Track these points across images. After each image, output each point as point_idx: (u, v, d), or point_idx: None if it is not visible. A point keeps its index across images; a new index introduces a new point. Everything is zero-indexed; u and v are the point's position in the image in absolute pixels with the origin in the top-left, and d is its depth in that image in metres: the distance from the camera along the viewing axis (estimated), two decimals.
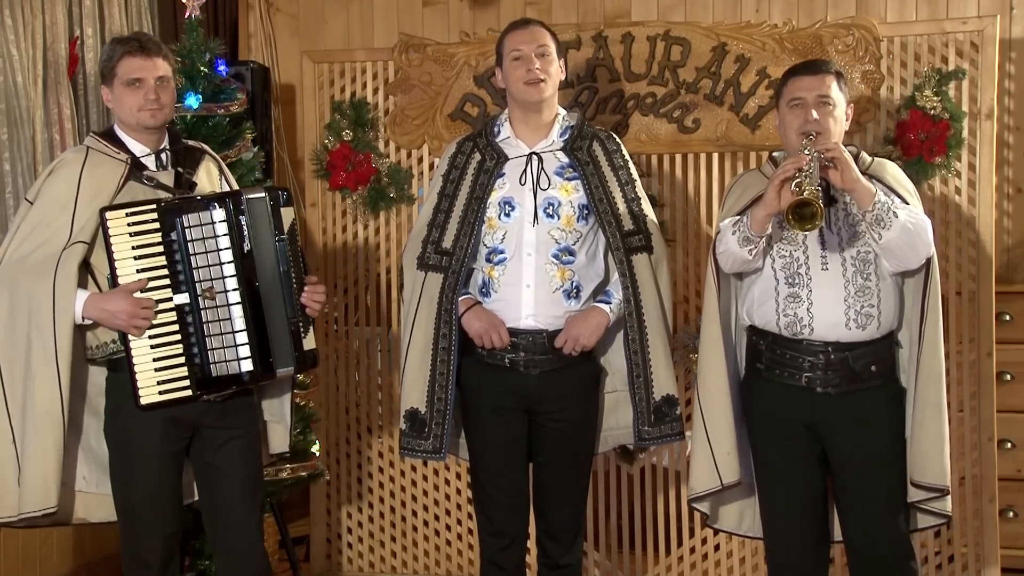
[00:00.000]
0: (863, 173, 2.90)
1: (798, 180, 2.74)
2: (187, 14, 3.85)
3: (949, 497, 2.91)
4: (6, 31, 3.82)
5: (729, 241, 2.91)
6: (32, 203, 2.91)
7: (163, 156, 2.99)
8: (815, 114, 2.88)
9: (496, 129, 3.19)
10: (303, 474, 3.97)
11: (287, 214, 2.98)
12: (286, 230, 2.97)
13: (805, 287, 2.91)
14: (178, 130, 3.18)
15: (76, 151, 2.99)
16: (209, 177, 3.08)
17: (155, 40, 3.00)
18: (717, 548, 4.04)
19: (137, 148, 2.96)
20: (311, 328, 3.01)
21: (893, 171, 3.00)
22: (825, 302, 2.89)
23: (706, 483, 3.01)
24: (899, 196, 2.89)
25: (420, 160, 4.22)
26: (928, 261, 2.88)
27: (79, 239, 2.84)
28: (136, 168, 2.93)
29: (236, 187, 3.16)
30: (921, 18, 4.42)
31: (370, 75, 4.26)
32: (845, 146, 2.99)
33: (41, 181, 2.94)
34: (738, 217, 2.92)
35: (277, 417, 3.17)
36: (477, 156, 3.17)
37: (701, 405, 3.04)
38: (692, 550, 4.06)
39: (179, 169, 2.99)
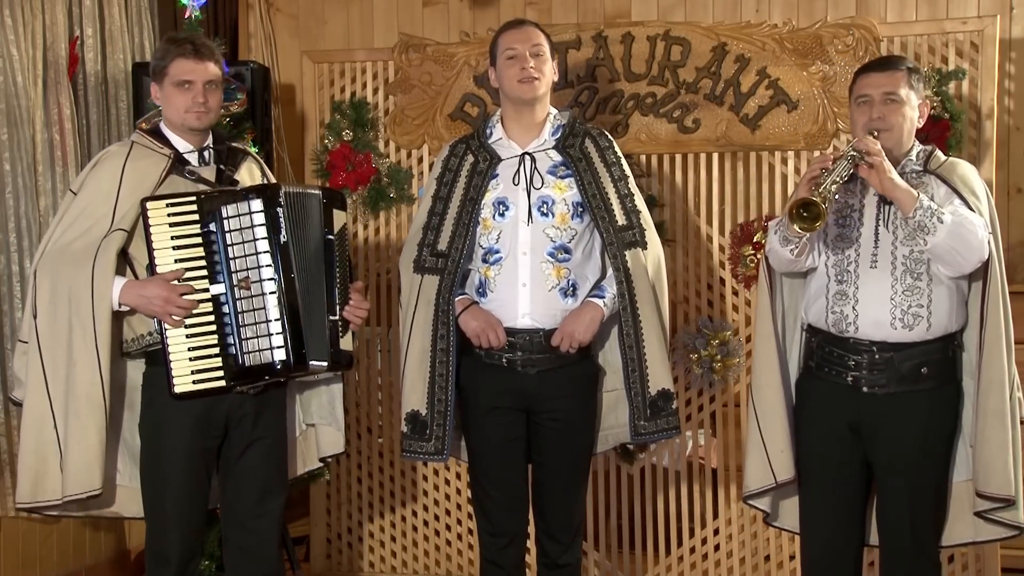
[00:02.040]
0: (932, 172, 2.88)
1: (818, 180, 2.74)
2: (187, 14, 3.85)
3: (1021, 507, 2.87)
4: (6, 31, 3.81)
5: (772, 240, 2.94)
6: (76, 194, 2.98)
7: (206, 154, 3.04)
8: (879, 111, 2.87)
9: (488, 131, 3.20)
10: (303, 474, 3.96)
11: (339, 216, 3.02)
12: (335, 231, 3.00)
13: (852, 284, 2.89)
14: (222, 131, 3.20)
15: (121, 144, 3.08)
16: (251, 177, 3.12)
17: (208, 44, 3.05)
18: (717, 548, 4.04)
19: (181, 145, 3.02)
20: (349, 330, 3.02)
21: (963, 172, 2.94)
22: (871, 300, 2.87)
23: (760, 481, 3.01)
24: (961, 197, 2.84)
25: (420, 160, 4.23)
26: (988, 264, 2.83)
27: (119, 227, 2.89)
28: (179, 163, 2.99)
29: None
30: (921, 18, 4.42)
31: (370, 75, 4.26)
32: (922, 145, 2.96)
33: (85, 173, 3.01)
34: (780, 217, 2.94)
35: (327, 419, 3.18)
36: (470, 158, 3.17)
37: (754, 403, 3.04)
38: (692, 550, 4.07)
39: (221, 166, 3.04)
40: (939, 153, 2.98)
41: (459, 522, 4.22)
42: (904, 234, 2.86)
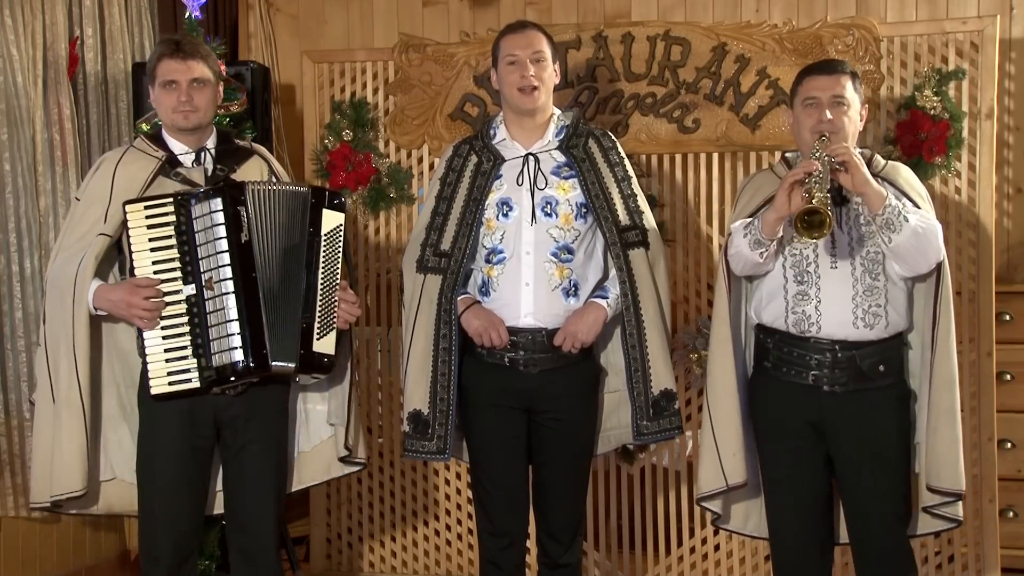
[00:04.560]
0: (875, 176, 2.89)
1: (808, 185, 2.73)
2: (187, 14, 3.85)
3: (961, 502, 2.92)
4: (6, 31, 3.81)
5: (740, 244, 2.90)
6: (79, 200, 3.03)
7: (203, 155, 3.03)
8: (829, 114, 2.88)
9: (492, 131, 3.20)
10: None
11: (331, 217, 2.99)
12: (324, 231, 2.97)
13: (814, 285, 2.90)
14: (228, 131, 3.18)
15: (117, 149, 3.13)
16: (258, 175, 3.10)
17: (195, 42, 3.04)
18: (717, 548, 4.04)
19: (177, 147, 3.03)
20: (332, 333, 2.97)
21: (906, 175, 2.98)
22: (833, 300, 2.88)
23: (712, 484, 3.02)
24: (911, 200, 2.88)
25: (420, 160, 4.23)
26: (939, 266, 2.86)
27: (102, 232, 2.91)
28: (169, 164, 2.99)
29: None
30: (921, 18, 4.42)
31: (370, 75, 4.26)
32: (860, 148, 2.99)
33: (87, 180, 3.06)
34: (749, 220, 2.91)
35: (341, 420, 3.14)
36: (474, 158, 3.17)
37: (709, 406, 3.03)
38: (692, 550, 4.07)
39: (217, 166, 3.03)
40: (879, 157, 3.02)
41: (459, 522, 4.22)
42: (859, 235, 2.89)
